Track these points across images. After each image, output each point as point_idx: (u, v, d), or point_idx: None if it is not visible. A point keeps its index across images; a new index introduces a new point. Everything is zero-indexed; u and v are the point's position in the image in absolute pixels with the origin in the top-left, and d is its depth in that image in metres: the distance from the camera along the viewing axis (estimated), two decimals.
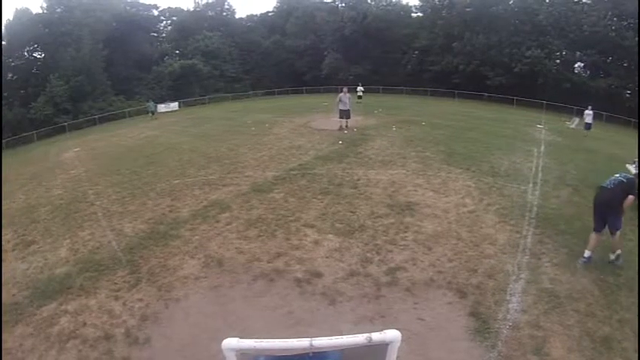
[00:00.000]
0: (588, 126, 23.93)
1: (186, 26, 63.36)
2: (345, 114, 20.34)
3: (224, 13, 68.40)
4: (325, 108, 29.09)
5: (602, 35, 39.25)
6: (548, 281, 6.33)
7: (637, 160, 11.11)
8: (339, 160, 14.06)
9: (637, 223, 8.61)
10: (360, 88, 35.11)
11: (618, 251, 6.85)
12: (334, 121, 21.78)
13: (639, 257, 6.93)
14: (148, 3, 66.09)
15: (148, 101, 43.05)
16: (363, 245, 7.67)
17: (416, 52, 54.47)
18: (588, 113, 23.91)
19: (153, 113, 39.58)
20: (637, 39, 35.86)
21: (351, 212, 9.30)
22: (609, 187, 6.83)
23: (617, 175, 6.97)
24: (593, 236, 6.93)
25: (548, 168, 13.49)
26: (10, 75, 44.11)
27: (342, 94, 20.38)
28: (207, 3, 67.61)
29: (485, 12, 46.94)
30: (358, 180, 11.69)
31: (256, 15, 74.46)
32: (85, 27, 47.89)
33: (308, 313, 5.66)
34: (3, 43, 41.08)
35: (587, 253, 6.91)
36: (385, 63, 55.51)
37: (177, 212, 10.11)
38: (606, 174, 13.01)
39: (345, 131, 19.74)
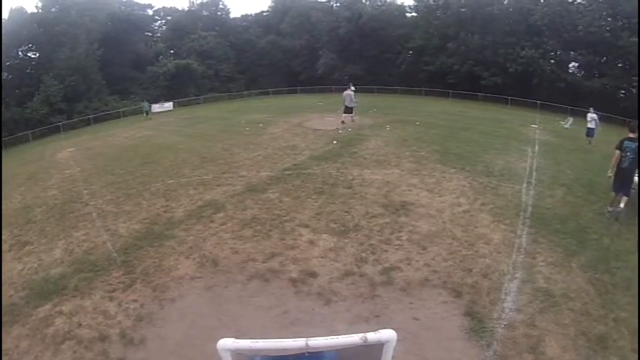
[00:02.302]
0: (591, 132, 20.14)
1: (180, 26, 63.25)
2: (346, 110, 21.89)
3: (219, 13, 68.27)
4: (320, 108, 29.13)
5: (597, 35, 39.35)
6: (543, 280, 6.35)
7: None
8: (334, 159, 14.07)
9: (636, 222, 8.66)
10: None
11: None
12: (329, 121, 22.03)
13: (639, 256, 6.97)
14: (142, 3, 66.03)
15: (142, 101, 43.03)
16: (358, 245, 7.67)
17: (411, 52, 54.46)
18: (592, 117, 20.29)
19: (147, 113, 39.53)
20: (632, 39, 35.99)
21: (346, 212, 9.31)
22: None
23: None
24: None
25: (543, 168, 13.53)
26: (5, 74, 43.88)
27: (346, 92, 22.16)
28: (201, 3, 67.47)
29: (480, 12, 47.03)
30: (353, 180, 11.70)
31: (251, 15, 74.54)
32: (80, 27, 47.78)
33: (303, 313, 5.67)
34: None
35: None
36: (380, 63, 55.49)
37: (171, 212, 10.09)
38: (601, 173, 13.16)
39: (340, 131, 19.84)
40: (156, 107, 44.65)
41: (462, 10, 48.87)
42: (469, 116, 28.60)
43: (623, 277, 6.44)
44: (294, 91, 55.96)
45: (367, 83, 50.91)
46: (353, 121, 21.84)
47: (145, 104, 40.99)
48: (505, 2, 47.86)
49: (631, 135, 8.60)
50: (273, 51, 63.10)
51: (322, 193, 10.67)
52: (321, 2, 64.32)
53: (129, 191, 12.33)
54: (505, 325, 5.31)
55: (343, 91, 22.32)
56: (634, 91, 38.10)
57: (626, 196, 8.97)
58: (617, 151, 8.76)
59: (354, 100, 21.78)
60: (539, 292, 6.03)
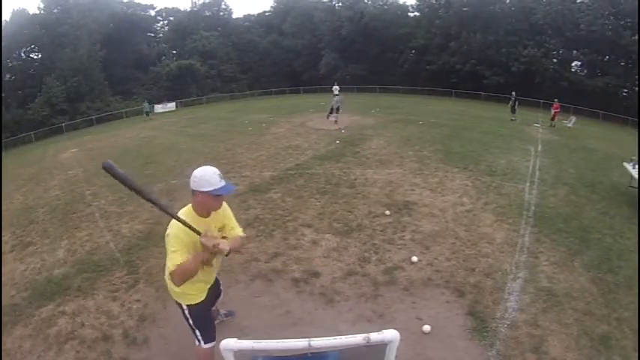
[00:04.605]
0: None
1: (183, 26, 63.47)
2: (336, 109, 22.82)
3: (221, 13, 68.50)
4: (323, 108, 29.16)
5: (599, 34, 39.31)
6: (546, 280, 6.34)
7: (634, 158, 11.14)
8: (337, 159, 14.07)
9: (636, 222, 8.65)
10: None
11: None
12: (331, 121, 22.13)
13: (639, 256, 6.97)
14: (144, 3, 66.42)
15: (143, 102, 43.14)
16: (361, 245, 7.66)
17: (413, 51, 54.53)
18: None
19: (148, 114, 39.60)
20: (634, 38, 35.95)
21: (349, 212, 9.30)
22: None
23: None
24: None
25: (546, 167, 13.52)
26: (7, 76, 44.04)
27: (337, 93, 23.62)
28: (204, 3, 67.72)
29: (482, 11, 47.02)
30: (355, 179, 11.70)
31: (253, 15, 74.87)
32: (82, 27, 47.98)
33: (306, 313, 5.66)
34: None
35: None
36: (382, 62, 55.57)
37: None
38: (604, 172, 13.15)
39: (343, 130, 19.90)
40: (158, 108, 44.85)
41: (464, 9, 48.88)
42: (472, 115, 28.62)
43: (625, 277, 6.43)
44: (297, 91, 56.14)
45: (369, 83, 51.17)
46: (335, 121, 22.54)
47: (146, 105, 41.08)
48: (507, 1, 47.90)
49: None
50: (275, 51, 63.26)
51: (325, 192, 10.67)
52: (323, 2, 64.47)
53: (131, 191, 12.33)
54: (508, 324, 5.29)
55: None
56: (637, 89, 38.08)
57: None
58: None
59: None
60: (542, 291, 6.02)
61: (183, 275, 3.34)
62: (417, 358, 4.74)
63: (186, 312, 3.92)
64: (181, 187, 12.25)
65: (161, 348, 5.14)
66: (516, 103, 27.75)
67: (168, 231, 3.46)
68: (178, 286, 3.47)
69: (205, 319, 4.11)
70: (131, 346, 5.22)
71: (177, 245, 3.37)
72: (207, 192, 3.43)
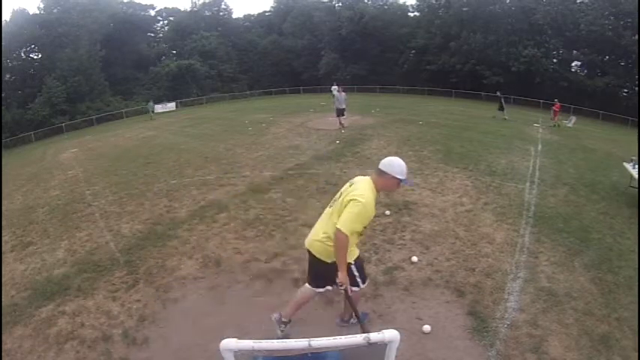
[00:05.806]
0: None
1: (183, 26, 63.52)
2: (338, 112, 20.86)
3: (221, 13, 68.58)
4: (322, 108, 29.14)
5: (599, 34, 39.35)
6: (546, 280, 6.33)
7: (634, 158, 11.13)
8: (337, 159, 14.07)
9: (636, 222, 8.65)
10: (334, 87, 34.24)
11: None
12: (332, 121, 21.99)
13: (639, 256, 6.96)
14: (144, 3, 66.45)
15: (148, 102, 43.15)
16: (361, 245, 7.63)
17: (413, 51, 54.59)
18: None
19: (153, 112, 39.64)
20: (634, 38, 35.97)
21: None
22: None
23: None
24: None
25: (546, 167, 13.52)
26: (7, 76, 44.05)
27: (336, 93, 21.84)
28: (204, 3, 67.81)
29: (482, 11, 47.05)
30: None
31: (253, 15, 75.11)
32: (82, 28, 47.98)
33: (306, 313, 5.64)
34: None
35: None
36: (382, 62, 55.66)
37: (174, 213, 10.09)
38: (604, 173, 13.15)
39: (343, 130, 19.85)
40: (158, 108, 44.79)
41: (464, 9, 48.94)
42: (472, 115, 28.64)
43: (625, 277, 6.42)
44: (297, 91, 56.22)
45: (369, 83, 51.23)
46: (340, 124, 20.89)
47: (151, 104, 41.05)
48: (507, 1, 47.93)
49: None
50: (275, 51, 63.37)
51: (325, 192, 10.63)
52: (323, 2, 64.54)
53: (132, 191, 12.34)
54: (508, 324, 5.28)
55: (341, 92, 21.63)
56: (636, 89, 38.14)
57: None
58: None
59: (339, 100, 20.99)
60: (542, 291, 6.01)
61: (339, 244, 3.95)
62: (417, 358, 4.73)
63: (352, 266, 4.51)
64: (181, 187, 12.26)
65: (161, 348, 5.13)
66: (502, 100, 27.72)
67: (361, 199, 4.01)
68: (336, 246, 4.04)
69: (363, 268, 4.86)
70: (131, 346, 5.21)
71: (362, 216, 4.05)
72: (397, 178, 4.12)
